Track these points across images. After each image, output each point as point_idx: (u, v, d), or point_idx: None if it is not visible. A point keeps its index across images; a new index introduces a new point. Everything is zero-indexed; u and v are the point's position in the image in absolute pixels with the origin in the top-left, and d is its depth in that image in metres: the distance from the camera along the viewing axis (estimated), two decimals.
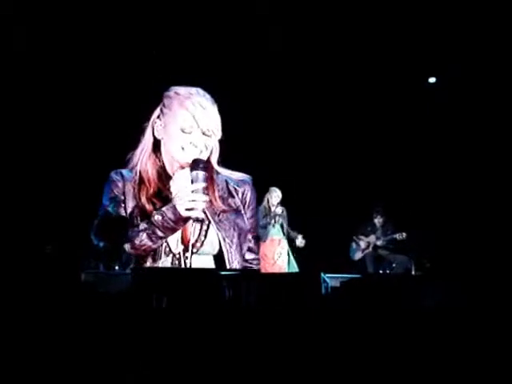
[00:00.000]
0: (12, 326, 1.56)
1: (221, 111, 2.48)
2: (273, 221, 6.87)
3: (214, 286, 1.59)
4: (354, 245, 8.75)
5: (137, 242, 2.34)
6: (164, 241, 2.37)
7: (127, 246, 2.38)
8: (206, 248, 2.40)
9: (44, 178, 7.59)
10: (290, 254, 7.06)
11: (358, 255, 8.70)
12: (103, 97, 7.49)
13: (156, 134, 2.46)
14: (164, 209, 2.32)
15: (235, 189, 2.52)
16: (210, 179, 2.45)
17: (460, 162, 8.20)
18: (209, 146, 2.43)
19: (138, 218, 2.39)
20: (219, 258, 2.41)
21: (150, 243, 2.34)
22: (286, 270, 6.72)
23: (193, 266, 2.38)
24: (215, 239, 2.40)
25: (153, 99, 2.52)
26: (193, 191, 2.29)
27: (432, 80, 8.45)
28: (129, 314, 1.56)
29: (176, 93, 2.43)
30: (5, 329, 1.55)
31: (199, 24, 7.00)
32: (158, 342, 1.52)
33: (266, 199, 7.13)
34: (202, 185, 2.31)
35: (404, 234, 8.30)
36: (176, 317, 1.54)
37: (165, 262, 2.40)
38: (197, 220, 2.35)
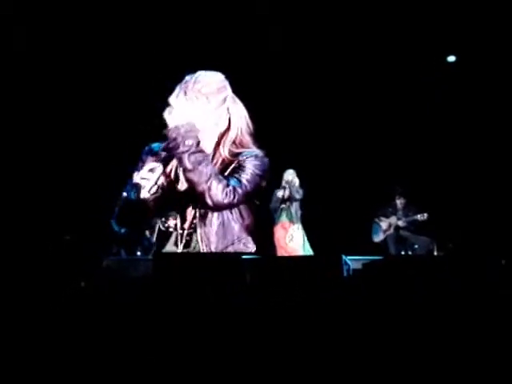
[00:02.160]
0: (33, 311, 1.57)
1: None
2: (278, 204, 6.84)
3: (235, 270, 1.60)
4: (375, 226, 8.71)
5: None
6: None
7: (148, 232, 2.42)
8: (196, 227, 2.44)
9: (65, 166, 7.64)
10: (305, 236, 7.05)
11: (379, 237, 8.66)
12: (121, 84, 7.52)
13: None
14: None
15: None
16: (217, 162, 2.46)
17: (482, 143, 8.12)
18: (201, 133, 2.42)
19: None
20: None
21: None
22: (300, 253, 6.72)
23: (194, 241, 2.41)
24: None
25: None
26: (150, 170, 2.30)
27: (451, 59, 8.35)
28: (151, 299, 1.57)
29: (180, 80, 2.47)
30: (27, 313, 1.57)
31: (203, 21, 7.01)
32: (180, 325, 1.52)
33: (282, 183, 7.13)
34: (159, 165, 2.31)
35: (425, 215, 8.23)
36: (198, 301, 1.54)
37: (166, 237, 2.44)
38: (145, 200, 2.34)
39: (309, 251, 6.97)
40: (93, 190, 7.23)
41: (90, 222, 6.73)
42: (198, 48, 7.00)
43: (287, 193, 7.08)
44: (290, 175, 7.18)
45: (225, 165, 2.48)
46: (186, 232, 2.44)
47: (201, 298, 1.55)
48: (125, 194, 2.39)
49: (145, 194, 2.29)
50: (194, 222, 2.44)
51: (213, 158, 2.48)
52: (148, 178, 2.28)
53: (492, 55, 7.62)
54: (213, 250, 2.39)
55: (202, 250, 2.38)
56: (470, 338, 1.51)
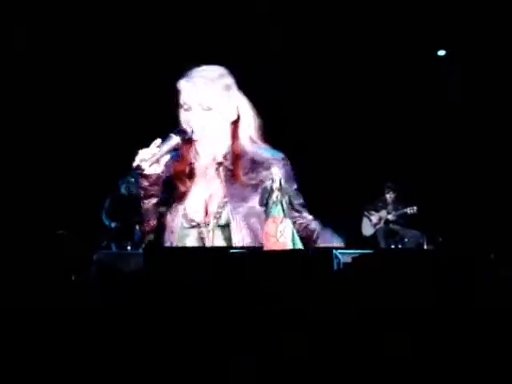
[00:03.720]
0: (24, 304, 1.57)
1: None
2: (273, 198, 6.79)
3: (224, 264, 1.60)
4: (365, 220, 8.74)
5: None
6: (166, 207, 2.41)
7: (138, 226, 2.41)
8: (221, 220, 2.44)
9: (56, 161, 7.64)
10: (295, 231, 7.02)
11: (369, 230, 8.70)
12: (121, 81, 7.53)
13: None
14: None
15: (261, 165, 2.52)
16: (236, 154, 2.47)
17: (470, 137, 8.15)
18: (212, 120, 2.44)
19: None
20: (225, 227, 2.45)
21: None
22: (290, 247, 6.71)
23: (215, 238, 2.41)
24: (227, 213, 2.44)
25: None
26: (158, 146, 2.31)
27: (441, 53, 8.37)
28: (141, 293, 1.57)
29: (185, 73, 2.48)
30: (18, 307, 1.57)
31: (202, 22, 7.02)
32: (170, 320, 1.53)
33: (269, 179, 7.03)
34: (166, 145, 2.33)
35: (415, 208, 8.28)
36: (187, 295, 1.55)
37: (189, 234, 2.43)
38: (141, 171, 2.33)
39: (298, 245, 6.96)
40: (85, 185, 7.23)
41: (82, 217, 6.73)
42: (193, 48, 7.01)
43: (277, 184, 7.05)
44: (273, 173, 7.10)
45: (249, 162, 2.51)
46: (211, 227, 2.43)
47: (191, 293, 1.55)
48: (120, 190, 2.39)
49: (145, 166, 2.29)
50: (217, 216, 2.44)
51: (233, 153, 2.49)
52: (153, 154, 2.29)
53: (481, 51, 7.65)
54: (246, 241, 2.43)
55: (234, 243, 2.41)
56: (460, 333, 1.52)
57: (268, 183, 2.35)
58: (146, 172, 2.30)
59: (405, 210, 8.39)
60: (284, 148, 2.68)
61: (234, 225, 2.41)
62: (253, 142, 2.53)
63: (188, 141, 2.43)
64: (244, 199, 2.46)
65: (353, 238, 8.09)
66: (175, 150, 2.41)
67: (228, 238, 2.42)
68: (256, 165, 2.50)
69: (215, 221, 2.42)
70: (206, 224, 2.42)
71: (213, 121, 2.43)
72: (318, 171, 8.15)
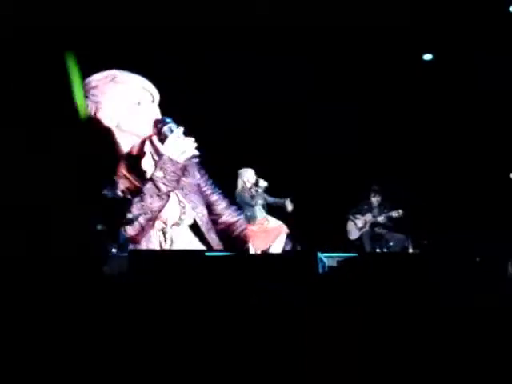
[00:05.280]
0: (12, 307, 1.56)
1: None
2: (261, 197, 6.79)
3: (207, 267, 1.60)
4: (350, 224, 8.75)
5: (147, 203, 2.38)
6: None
7: (124, 229, 2.42)
8: (184, 220, 2.47)
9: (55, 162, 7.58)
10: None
11: (354, 234, 8.71)
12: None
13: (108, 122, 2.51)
14: (160, 166, 2.38)
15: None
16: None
17: (457, 140, 8.19)
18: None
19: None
20: (195, 226, 2.49)
21: (159, 203, 2.37)
22: (279, 224, 6.78)
23: (174, 238, 2.44)
24: (189, 211, 2.48)
25: None
26: (178, 137, 2.35)
27: (428, 57, 8.40)
28: (126, 295, 1.56)
29: (97, 80, 2.48)
30: (13, 308, 1.56)
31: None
32: (154, 321, 1.52)
33: (241, 182, 6.91)
34: (181, 130, 2.39)
35: (400, 211, 8.31)
36: (171, 299, 1.54)
37: (154, 235, 2.46)
38: (194, 157, 2.40)
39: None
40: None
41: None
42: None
43: (260, 194, 7.05)
44: (253, 176, 7.08)
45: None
46: (170, 229, 2.46)
47: (176, 295, 1.55)
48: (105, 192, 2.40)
49: (194, 151, 2.37)
50: (180, 221, 2.47)
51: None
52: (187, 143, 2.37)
53: (469, 54, 7.69)
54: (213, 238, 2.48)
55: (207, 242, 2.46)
56: (447, 335, 1.52)
57: (244, 185, 2.44)
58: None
59: (390, 214, 8.42)
60: (274, 150, 2.70)
61: (203, 227, 2.46)
62: None
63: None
64: (196, 197, 2.52)
65: (338, 241, 8.12)
66: None
67: (200, 238, 2.48)
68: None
69: (176, 225, 2.46)
70: (162, 229, 2.46)
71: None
72: (303, 174, 8.16)
